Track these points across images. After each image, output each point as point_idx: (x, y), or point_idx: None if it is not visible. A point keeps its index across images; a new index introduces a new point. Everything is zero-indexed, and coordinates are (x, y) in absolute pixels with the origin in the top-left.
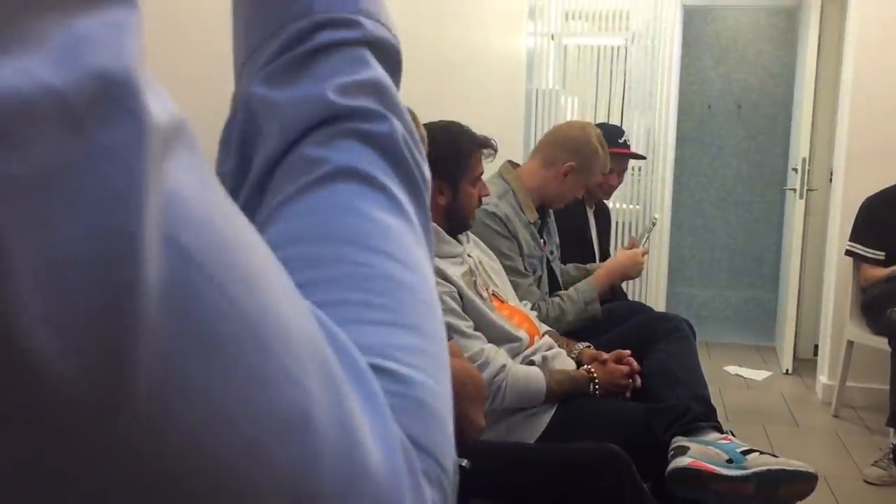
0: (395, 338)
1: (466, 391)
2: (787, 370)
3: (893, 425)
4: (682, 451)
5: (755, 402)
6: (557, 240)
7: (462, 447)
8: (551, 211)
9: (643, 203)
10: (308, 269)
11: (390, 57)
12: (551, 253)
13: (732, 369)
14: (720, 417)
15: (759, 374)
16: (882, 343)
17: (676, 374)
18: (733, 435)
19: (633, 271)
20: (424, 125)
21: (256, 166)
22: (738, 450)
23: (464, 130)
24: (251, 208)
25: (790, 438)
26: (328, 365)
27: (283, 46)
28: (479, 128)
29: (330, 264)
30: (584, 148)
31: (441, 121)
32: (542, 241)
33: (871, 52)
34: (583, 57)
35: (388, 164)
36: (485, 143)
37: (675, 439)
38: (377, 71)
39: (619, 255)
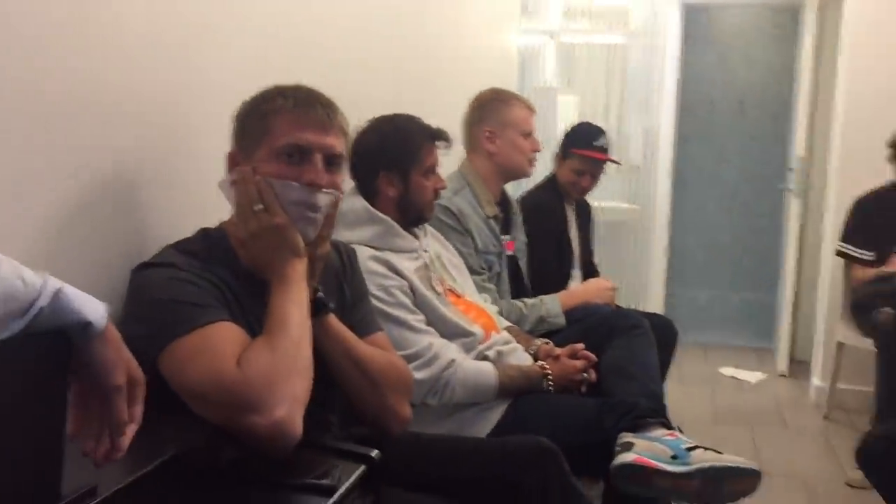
0: None
1: (388, 381)
2: (783, 372)
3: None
4: (628, 447)
5: (747, 404)
6: (524, 237)
7: (387, 437)
8: (517, 206)
9: (642, 203)
10: None
11: None
12: (519, 250)
13: (727, 371)
14: (707, 418)
15: (754, 376)
16: (870, 345)
17: (630, 370)
18: (681, 431)
19: (598, 298)
20: (376, 119)
21: None
22: (683, 446)
23: (413, 122)
24: None
25: (776, 440)
26: None
27: None
28: None
29: None
30: (483, 109)
31: (391, 114)
32: (507, 237)
33: (865, 52)
34: (582, 55)
35: None
36: (437, 135)
37: (621, 435)
38: None
39: (589, 282)
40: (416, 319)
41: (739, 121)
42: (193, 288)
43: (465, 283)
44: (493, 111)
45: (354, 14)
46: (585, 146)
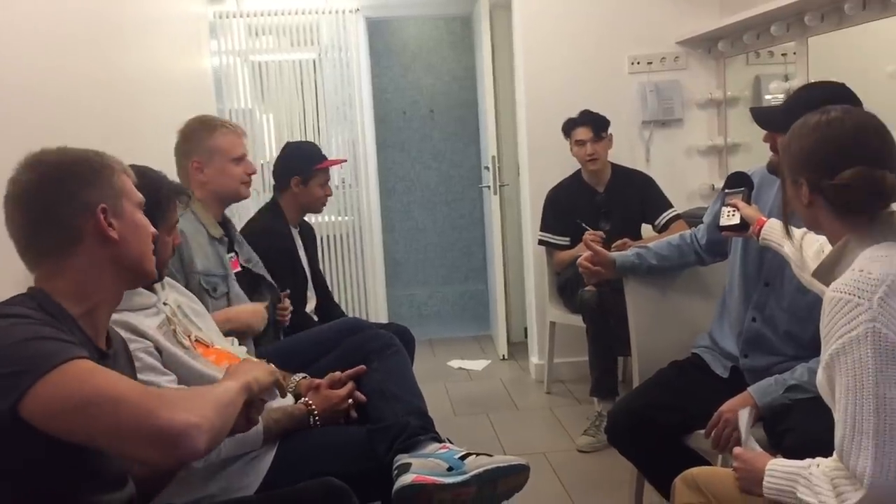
0: None
1: None
2: (504, 356)
3: (595, 394)
4: (405, 468)
5: (478, 391)
6: (252, 254)
7: None
8: (235, 225)
9: (354, 213)
10: None
11: None
12: (246, 263)
13: (455, 363)
14: (448, 412)
15: (479, 364)
16: (578, 320)
17: (393, 391)
18: (450, 442)
19: (253, 321)
20: None
21: None
22: (456, 456)
23: (161, 177)
24: None
25: (512, 422)
26: None
27: None
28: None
29: None
30: (190, 140)
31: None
32: (231, 255)
33: (537, 55)
34: (275, 73)
35: None
36: (181, 190)
37: (397, 458)
38: None
39: (245, 307)
40: (168, 381)
41: (431, 127)
42: (52, 329)
43: (210, 330)
44: (199, 141)
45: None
46: (322, 159)
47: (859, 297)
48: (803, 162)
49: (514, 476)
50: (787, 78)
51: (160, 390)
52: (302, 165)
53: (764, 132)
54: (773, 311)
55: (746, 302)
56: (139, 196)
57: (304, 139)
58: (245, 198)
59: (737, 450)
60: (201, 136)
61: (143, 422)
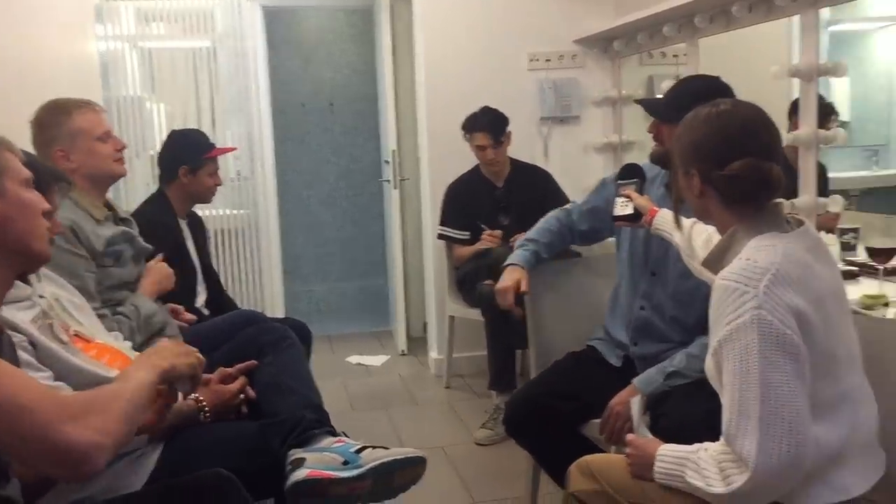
0: None
1: None
2: (403, 351)
3: (494, 388)
4: (299, 463)
5: (377, 387)
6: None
7: None
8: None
9: (250, 207)
10: None
11: None
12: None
13: (354, 359)
14: (345, 408)
15: (379, 360)
16: (477, 314)
17: (287, 385)
18: (346, 435)
19: (165, 279)
20: None
21: None
22: (352, 450)
23: (38, 162)
24: None
25: (410, 417)
26: None
27: None
28: None
29: None
30: (46, 129)
31: None
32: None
33: (437, 49)
34: (167, 61)
35: None
36: (60, 177)
37: (290, 452)
38: None
39: (150, 271)
40: (44, 377)
41: (331, 120)
42: None
43: (92, 324)
44: (57, 127)
45: None
46: (211, 148)
47: (746, 285)
48: (694, 153)
49: (411, 468)
50: (678, 78)
51: (67, 398)
52: (190, 154)
53: (648, 125)
54: (661, 299)
55: (635, 291)
56: (25, 172)
57: (200, 129)
58: (122, 175)
59: (629, 436)
60: (59, 122)
61: (48, 435)
